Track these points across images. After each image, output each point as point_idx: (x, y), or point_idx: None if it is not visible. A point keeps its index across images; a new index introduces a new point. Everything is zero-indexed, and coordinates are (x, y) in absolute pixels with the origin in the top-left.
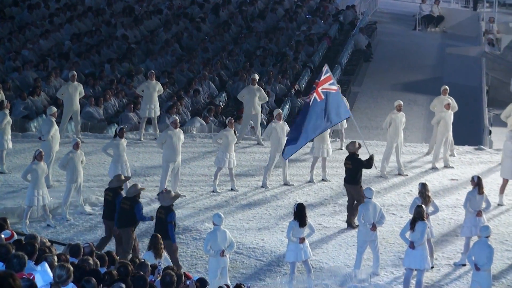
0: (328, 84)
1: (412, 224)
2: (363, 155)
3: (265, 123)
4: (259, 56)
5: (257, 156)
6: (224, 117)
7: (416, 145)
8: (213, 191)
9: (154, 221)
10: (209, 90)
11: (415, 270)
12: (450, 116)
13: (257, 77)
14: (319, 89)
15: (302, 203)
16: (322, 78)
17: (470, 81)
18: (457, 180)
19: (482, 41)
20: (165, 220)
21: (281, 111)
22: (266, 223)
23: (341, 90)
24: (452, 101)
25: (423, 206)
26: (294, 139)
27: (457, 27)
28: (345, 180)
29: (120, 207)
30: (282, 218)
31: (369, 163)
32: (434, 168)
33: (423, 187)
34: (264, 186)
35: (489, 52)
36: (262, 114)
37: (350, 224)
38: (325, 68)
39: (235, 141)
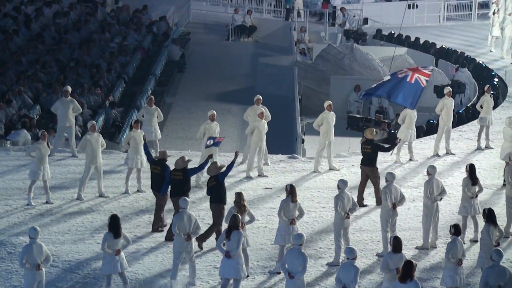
0: (424, 78)
1: (228, 233)
2: None
3: (79, 135)
4: (72, 68)
5: (72, 169)
6: (38, 130)
7: (231, 155)
8: (27, 204)
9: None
10: (23, 103)
11: (232, 279)
12: (263, 125)
13: (69, 89)
14: (416, 75)
15: (116, 215)
16: (425, 70)
17: (282, 91)
18: (271, 188)
19: (294, 50)
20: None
21: (95, 122)
22: (81, 236)
23: (155, 101)
24: (265, 110)
25: (239, 215)
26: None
27: (269, 37)
28: (363, 163)
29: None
30: (97, 230)
31: (390, 148)
32: (249, 177)
33: (239, 197)
34: (79, 198)
35: (301, 61)
36: (76, 126)
37: (361, 204)
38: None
39: (48, 153)
